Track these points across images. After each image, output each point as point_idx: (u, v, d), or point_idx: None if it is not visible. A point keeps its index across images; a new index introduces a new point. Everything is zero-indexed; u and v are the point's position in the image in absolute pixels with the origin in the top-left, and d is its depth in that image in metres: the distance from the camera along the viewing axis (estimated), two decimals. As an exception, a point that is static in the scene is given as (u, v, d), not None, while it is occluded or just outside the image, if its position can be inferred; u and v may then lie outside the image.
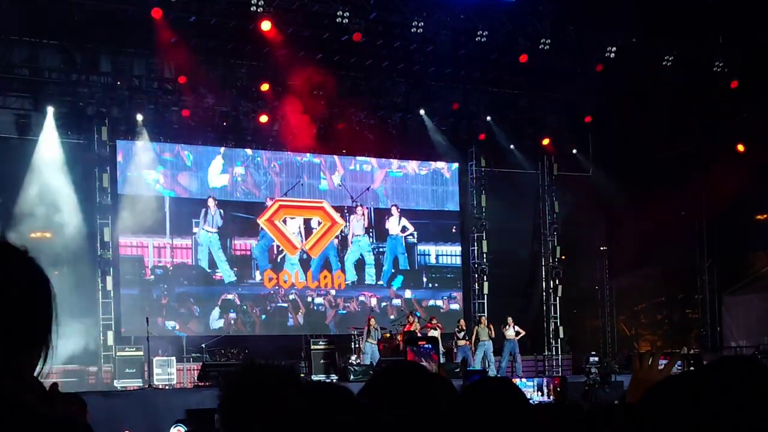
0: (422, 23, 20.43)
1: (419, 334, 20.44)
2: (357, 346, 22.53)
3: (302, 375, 20.35)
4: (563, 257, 27.85)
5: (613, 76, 23.52)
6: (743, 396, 1.51)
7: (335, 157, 25.34)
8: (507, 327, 23.56)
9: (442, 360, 20.87)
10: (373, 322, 22.64)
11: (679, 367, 3.11)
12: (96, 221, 22.21)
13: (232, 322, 23.96)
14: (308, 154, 25.02)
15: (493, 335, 23.37)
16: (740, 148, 24.96)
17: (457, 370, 20.38)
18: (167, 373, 20.63)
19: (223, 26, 20.37)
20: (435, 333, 21.25)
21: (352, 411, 1.74)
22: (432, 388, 2.76)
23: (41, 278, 1.81)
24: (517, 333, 23.47)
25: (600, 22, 21.91)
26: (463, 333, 23.34)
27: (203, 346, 22.31)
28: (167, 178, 23.55)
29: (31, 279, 1.79)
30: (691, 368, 3.03)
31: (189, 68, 22.09)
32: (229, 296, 24.00)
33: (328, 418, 1.70)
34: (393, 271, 26.06)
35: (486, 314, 26.39)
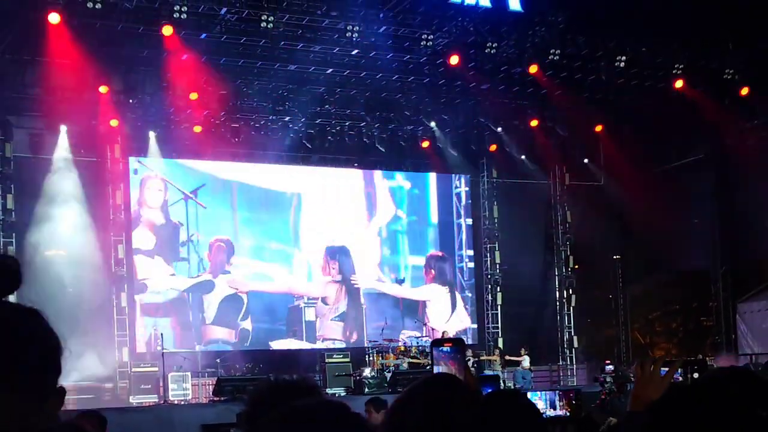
0: (431, 37, 20.50)
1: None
2: (371, 359, 22.55)
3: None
4: (576, 267, 27.85)
5: (624, 85, 23.56)
6: (733, 410, 1.56)
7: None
8: (521, 357, 23.71)
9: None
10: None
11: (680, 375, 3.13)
12: (110, 238, 22.35)
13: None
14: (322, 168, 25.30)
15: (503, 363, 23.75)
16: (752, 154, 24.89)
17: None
18: (182, 388, 20.70)
19: (233, 43, 20.47)
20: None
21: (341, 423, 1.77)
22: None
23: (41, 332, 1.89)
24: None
25: (609, 32, 21.94)
26: (471, 361, 23.30)
27: (218, 360, 22.40)
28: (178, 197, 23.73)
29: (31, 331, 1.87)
30: (695, 374, 3.06)
31: (200, 85, 22.22)
32: None
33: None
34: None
35: (499, 326, 26.43)
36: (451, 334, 24.97)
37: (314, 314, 24.37)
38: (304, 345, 24.14)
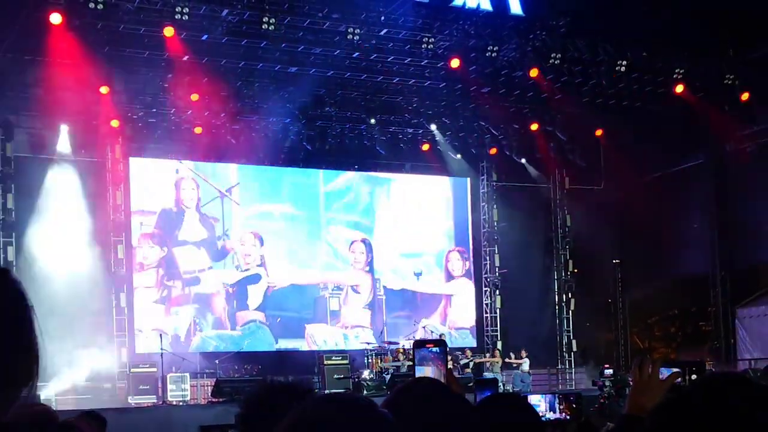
0: (432, 39, 20.52)
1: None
2: (370, 361, 22.57)
3: (316, 390, 20.38)
4: (575, 270, 27.86)
5: (624, 89, 23.57)
6: (733, 413, 1.58)
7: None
8: (522, 359, 23.75)
9: (456, 374, 20.97)
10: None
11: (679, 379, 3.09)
12: (110, 238, 22.36)
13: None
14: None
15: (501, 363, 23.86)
16: (752, 160, 24.90)
17: (471, 384, 20.32)
18: (181, 389, 20.69)
19: (234, 44, 20.49)
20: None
21: (371, 421, 1.74)
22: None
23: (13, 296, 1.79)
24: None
25: (610, 37, 21.95)
26: (472, 364, 23.37)
27: (217, 362, 22.41)
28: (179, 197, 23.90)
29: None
30: (693, 376, 3.04)
31: (201, 86, 22.24)
32: None
33: (347, 427, 1.70)
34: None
35: (498, 329, 26.44)
36: (468, 327, 26.60)
37: (338, 303, 25.31)
38: (331, 329, 25.11)
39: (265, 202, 25.03)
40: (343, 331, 25.21)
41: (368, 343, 23.64)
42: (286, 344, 24.42)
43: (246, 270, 24.45)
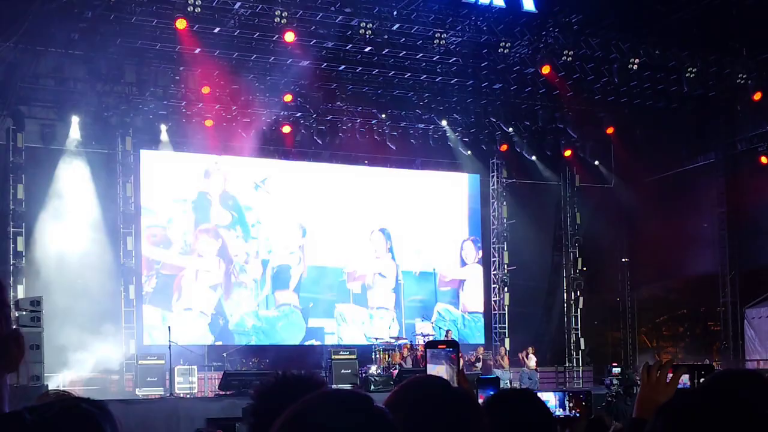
0: (445, 35, 20.50)
1: None
2: (378, 356, 22.57)
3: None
4: (584, 268, 27.80)
5: (636, 87, 23.52)
6: (744, 411, 1.57)
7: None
8: (528, 357, 23.72)
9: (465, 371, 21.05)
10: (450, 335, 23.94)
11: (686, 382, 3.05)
12: (119, 230, 22.39)
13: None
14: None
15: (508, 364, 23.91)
16: (763, 160, 24.84)
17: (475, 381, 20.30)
18: (189, 381, 20.72)
19: (247, 38, 20.50)
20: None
21: (367, 417, 1.74)
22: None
23: None
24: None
25: (623, 34, 21.90)
26: (480, 364, 23.40)
27: (224, 355, 22.44)
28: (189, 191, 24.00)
29: None
30: (702, 379, 3.00)
31: (212, 79, 22.25)
32: None
33: (340, 422, 1.69)
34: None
35: (507, 327, 26.44)
36: (480, 311, 26.96)
37: (359, 288, 25.82)
38: (359, 309, 25.70)
39: (288, 195, 25.17)
40: (369, 311, 25.69)
41: (376, 338, 23.65)
42: (316, 323, 25.01)
43: (290, 254, 25.04)
